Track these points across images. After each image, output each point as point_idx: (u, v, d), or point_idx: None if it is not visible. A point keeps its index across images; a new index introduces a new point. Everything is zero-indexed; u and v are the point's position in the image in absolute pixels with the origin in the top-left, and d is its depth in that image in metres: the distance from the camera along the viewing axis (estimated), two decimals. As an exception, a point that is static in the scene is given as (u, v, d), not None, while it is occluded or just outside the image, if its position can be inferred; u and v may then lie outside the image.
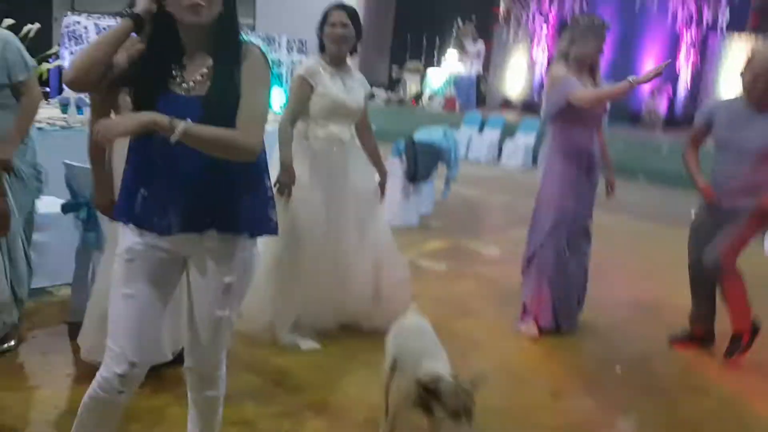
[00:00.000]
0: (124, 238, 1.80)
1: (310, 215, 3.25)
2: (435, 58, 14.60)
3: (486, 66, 14.32)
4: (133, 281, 1.77)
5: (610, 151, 3.76)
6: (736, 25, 11.96)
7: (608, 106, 3.63)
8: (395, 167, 6.06)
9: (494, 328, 3.82)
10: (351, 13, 3.24)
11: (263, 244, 3.31)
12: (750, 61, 3.32)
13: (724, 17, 12.01)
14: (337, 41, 3.21)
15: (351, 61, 3.39)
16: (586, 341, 3.75)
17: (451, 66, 13.72)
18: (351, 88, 3.29)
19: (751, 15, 11.92)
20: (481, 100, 14.13)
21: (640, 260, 5.47)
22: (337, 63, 3.27)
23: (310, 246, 3.27)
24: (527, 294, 3.74)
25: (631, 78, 3.25)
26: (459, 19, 13.75)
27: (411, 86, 13.98)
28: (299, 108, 3.23)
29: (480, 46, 13.69)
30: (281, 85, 8.30)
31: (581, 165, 3.57)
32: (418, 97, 13.69)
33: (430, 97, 13.44)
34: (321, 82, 3.21)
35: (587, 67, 3.55)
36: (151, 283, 1.79)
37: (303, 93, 3.22)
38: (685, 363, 3.57)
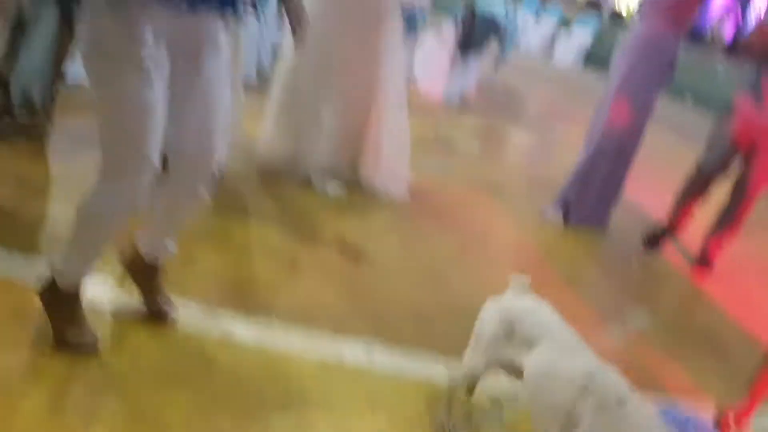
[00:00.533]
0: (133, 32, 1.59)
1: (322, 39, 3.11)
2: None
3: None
4: (153, 80, 1.61)
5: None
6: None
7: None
8: (449, 32, 5.82)
9: (517, 208, 3.80)
10: None
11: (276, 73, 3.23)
12: None
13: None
14: None
15: None
16: (608, 237, 3.73)
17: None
18: None
19: None
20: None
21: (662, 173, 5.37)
22: None
23: (317, 69, 3.18)
24: (568, 185, 3.70)
25: None
26: None
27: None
28: None
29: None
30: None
31: (662, 68, 3.40)
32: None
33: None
34: None
35: None
36: (163, 78, 1.65)
37: None
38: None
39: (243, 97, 3.03)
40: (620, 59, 3.54)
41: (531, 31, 10.72)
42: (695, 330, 2.93)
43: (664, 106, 3.82)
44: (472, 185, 3.99)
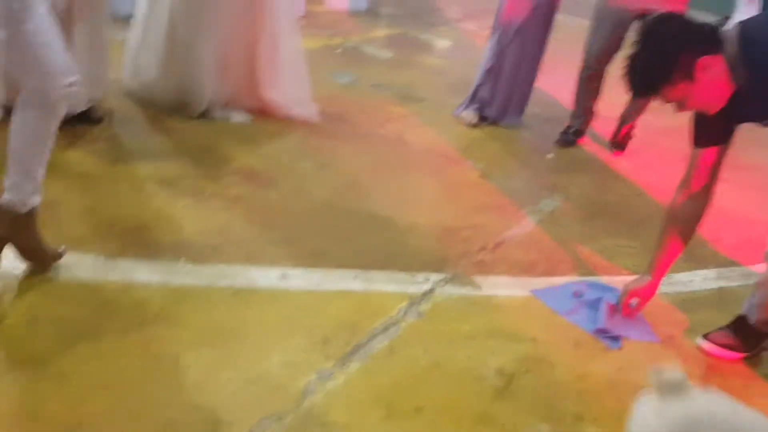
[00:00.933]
0: None
1: None
2: None
3: None
4: None
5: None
6: None
7: None
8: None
9: (433, 113, 3.75)
10: None
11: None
12: None
13: None
14: None
15: None
16: (523, 131, 3.74)
17: None
18: None
19: None
20: None
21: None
22: None
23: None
24: (477, 82, 3.66)
25: None
26: None
27: None
28: None
29: None
30: None
31: None
32: None
33: None
34: None
35: None
36: None
37: None
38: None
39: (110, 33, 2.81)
40: None
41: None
42: (611, 208, 2.99)
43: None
44: (385, 95, 3.90)
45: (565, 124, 3.64)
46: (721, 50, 1.82)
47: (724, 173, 2.01)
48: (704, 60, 1.79)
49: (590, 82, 3.49)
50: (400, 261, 2.26)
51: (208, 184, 2.55)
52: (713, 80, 1.82)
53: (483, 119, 3.67)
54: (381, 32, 5.33)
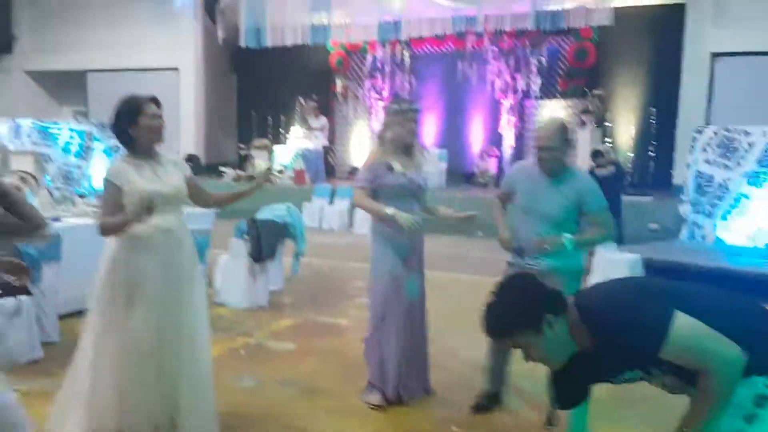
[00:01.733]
0: None
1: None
2: (281, 135, 14.88)
3: (331, 139, 14.80)
4: None
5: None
6: (547, 92, 13.48)
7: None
8: (239, 248, 6.04)
9: (338, 405, 3.85)
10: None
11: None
12: (536, 133, 3.70)
13: (536, 85, 13.48)
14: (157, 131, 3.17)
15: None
16: (429, 404, 3.88)
17: (297, 141, 14.04)
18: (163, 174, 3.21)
19: (559, 82, 13.45)
20: (330, 172, 14.53)
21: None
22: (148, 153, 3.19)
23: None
24: (371, 368, 3.84)
25: (390, 211, 3.58)
26: (300, 98, 14.19)
27: (260, 163, 14.05)
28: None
29: (323, 121, 14.17)
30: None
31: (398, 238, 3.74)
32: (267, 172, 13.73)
33: (280, 172, 13.59)
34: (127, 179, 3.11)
35: (403, 147, 3.79)
36: None
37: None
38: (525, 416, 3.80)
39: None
40: None
41: (328, 213, 11.56)
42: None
43: (459, 244, 4.18)
44: (290, 393, 4.00)
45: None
46: (566, 312, 2.15)
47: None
48: (550, 317, 2.11)
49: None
50: None
51: None
52: (557, 337, 2.11)
53: (387, 400, 3.79)
54: (282, 323, 5.60)
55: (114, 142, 4.06)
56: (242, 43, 13.74)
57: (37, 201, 5.70)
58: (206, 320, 3.32)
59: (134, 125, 3.13)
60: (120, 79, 14.20)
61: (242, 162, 14.49)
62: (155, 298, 3.13)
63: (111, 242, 3.16)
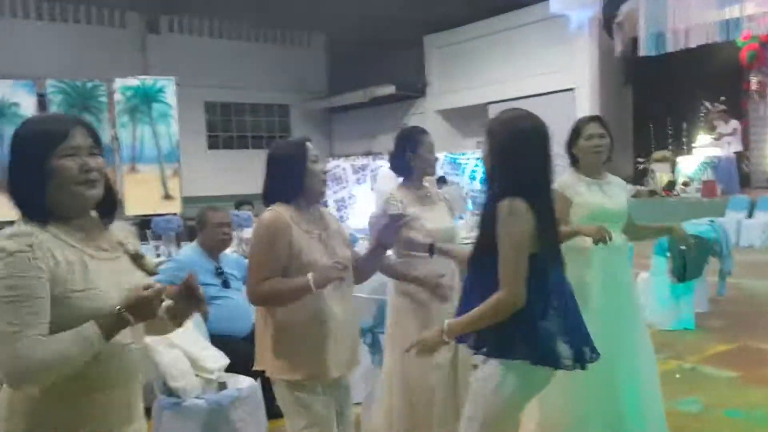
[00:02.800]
0: None
1: None
2: (683, 144, 13.82)
3: (745, 144, 13.15)
4: None
5: None
6: None
7: None
8: (660, 265, 5.85)
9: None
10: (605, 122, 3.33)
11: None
12: None
13: None
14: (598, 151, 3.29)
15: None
16: None
17: (703, 150, 12.88)
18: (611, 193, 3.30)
19: None
20: (744, 182, 12.90)
21: None
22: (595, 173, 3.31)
23: None
24: None
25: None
26: (706, 102, 12.98)
27: (661, 176, 13.33)
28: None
29: (734, 124, 12.71)
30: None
31: None
32: (670, 186, 12.96)
33: (685, 184, 12.65)
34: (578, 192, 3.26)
35: None
36: None
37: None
38: None
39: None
40: None
41: (747, 228, 10.27)
42: None
43: None
44: (736, 422, 3.69)
45: None
46: None
47: None
48: None
49: None
50: None
51: None
52: None
53: None
54: (717, 348, 5.20)
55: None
56: (641, 52, 13.18)
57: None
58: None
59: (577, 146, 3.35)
60: (516, 105, 15.16)
61: (639, 177, 13.94)
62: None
63: None
